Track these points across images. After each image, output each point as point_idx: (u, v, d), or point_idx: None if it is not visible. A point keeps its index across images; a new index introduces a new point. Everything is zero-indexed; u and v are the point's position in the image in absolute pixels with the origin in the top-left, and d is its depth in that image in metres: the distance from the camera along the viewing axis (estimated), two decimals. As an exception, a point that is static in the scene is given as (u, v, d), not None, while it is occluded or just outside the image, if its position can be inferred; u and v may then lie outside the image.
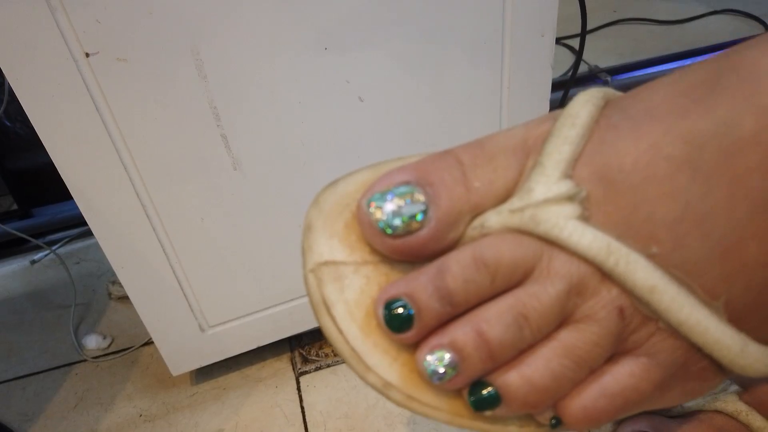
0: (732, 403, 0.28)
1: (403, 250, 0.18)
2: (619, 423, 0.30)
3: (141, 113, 0.36)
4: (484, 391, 0.17)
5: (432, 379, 0.17)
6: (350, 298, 0.18)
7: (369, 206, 0.17)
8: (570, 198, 0.17)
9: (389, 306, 0.17)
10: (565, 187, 0.17)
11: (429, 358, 0.17)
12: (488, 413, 0.18)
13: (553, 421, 0.18)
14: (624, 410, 0.18)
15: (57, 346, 0.61)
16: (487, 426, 0.18)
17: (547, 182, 0.17)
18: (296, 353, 0.56)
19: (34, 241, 0.63)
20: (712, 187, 0.16)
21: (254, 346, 0.52)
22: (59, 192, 0.64)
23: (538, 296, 0.17)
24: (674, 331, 0.17)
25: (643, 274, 0.16)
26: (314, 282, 0.18)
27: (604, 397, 0.17)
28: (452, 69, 0.42)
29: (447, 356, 0.17)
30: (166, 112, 0.37)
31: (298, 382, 0.54)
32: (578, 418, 0.18)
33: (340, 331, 0.18)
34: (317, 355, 0.56)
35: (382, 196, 0.17)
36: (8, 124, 0.69)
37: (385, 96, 0.41)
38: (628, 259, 0.16)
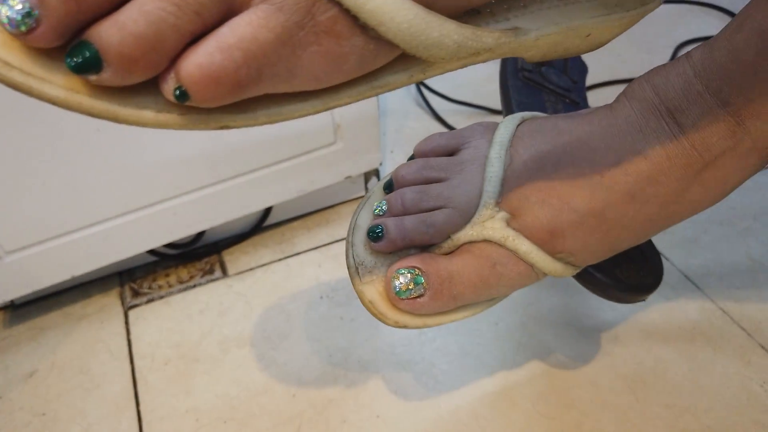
0: (500, 230, 0.28)
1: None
2: (392, 264, 0.29)
3: None
4: (78, 49, 0.16)
5: (7, 27, 0.15)
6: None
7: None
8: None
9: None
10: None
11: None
12: (93, 78, 0.16)
13: (177, 92, 0.17)
14: (250, 69, 0.17)
15: None
16: (114, 108, 0.17)
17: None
18: (126, 287, 0.52)
19: None
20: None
21: (68, 276, 0.47)
22: None
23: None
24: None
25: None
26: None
27: (220, 51, 0.16)
28: None
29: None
30: None
31: (126, 316, 0.50)
32: (195, 77, 0.16)
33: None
34: (150, 287, 0.52)
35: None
36: None
37: None
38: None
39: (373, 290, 0.29)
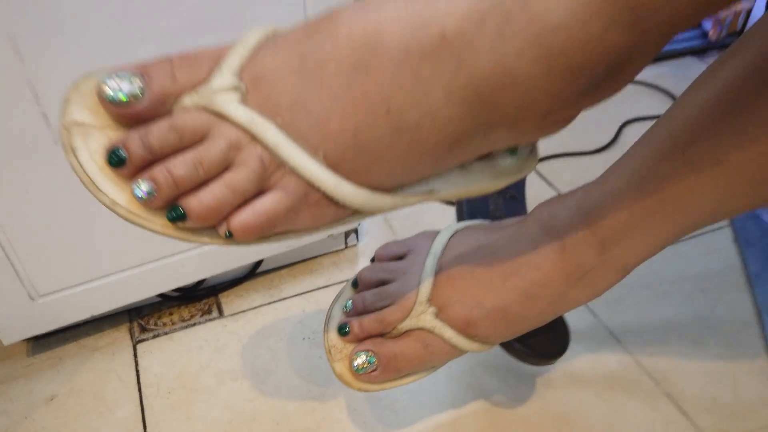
0: (430, 322, 0.38)
1: (127, 115, 0.26)
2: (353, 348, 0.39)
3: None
4: (174, 209, 0.26)
5: (139, 199, 0.26)
6: (92, 147, 0.26)
7: (105, 85, 0.26)
8: (234, 89, 0.26)
9: (112, 151, 0.26)
10: (230, 81, 0.26)
11: (135, 186, 0.26)
12: (181, 225, 0.27)
13: (227, 233, 0.27)
14: (270, 224, 0.27)
15: None
16: (188, 236, 0.27)
17: (221, 78, 0.26)
18: (135, 323, 0.60)
19: None
20: (312, 85, 0.25)
21: (88, 316, 0.55)
22: None
23: (209, 149, 0.26)
24: (295, 173, 0.27)
25: (272, 136, 0.26)
26: (66, 134, 0.26)
27: (254, 215, 0.27)
28: None
29: (146, 184, 0.26)
30: (-16, 88, 0.40)
31: (135, 349, 0.58)
32: (238, 228, 0.27)
33: (81, 166, 0.26)
34: (156, 324, 0.60)
35: (112, 78, 0.25)
36: None
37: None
38: (264, 127, 0.26)
39: (342, 366, 0.39)
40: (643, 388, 0.54)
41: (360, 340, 0.39)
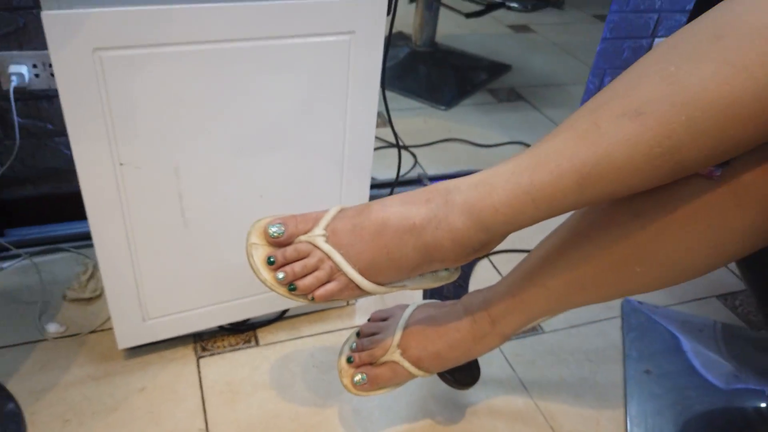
0: (397, 357, 0.65)
1: (275, 243, 0.55)
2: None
3: (145, 205, 0.68)
4: (291, 285, 0.54)
5: (278, 279, 0.54)
6: (260, 254, 0.54)
7: (268, 227, 0.54)
8: (323, 235, 0.54)
9: (267, 258, 0.54)
10: (321, 231, 0.54)
11: (276, 273, 0.54)
12: (293, 293, 0.54)
13: (312, 298, 0.55)
14: (331, 296, 0.55)
15: (25, 329, 0.87)
16: (295, 298, 0.55)
17: (317, 229, 0.54)
18: (198, 344, 0.87)
19: (14, 250, 0.89)
20: (356, 238, 0.54)
21: (172, 335, 0.82)
22: (26, 219, 0.94)
23: (310, 260, 0.54)
24: (344, 275, 0.54)
25: (337, 258, 0.54)
26: (248, 248, 0.54)
27: (325, 291, 0.54)
28: (318, 173, 0.77)
29: (281, 273, 0.54)
30: (151, 200, 0.69)
31: (198, 362, 0.84)
32: (317, 296, 0.54)
33: (254, 262, 0.53)
34: (212, 346, 0.87)
35: (272, 225, 0.55)
36: (-4, 166, 0.95)
37: (278, 190, 0.75)
38: (333, 253, 0.54)
39: (347, 381, 0.66)
40: (536, 421, 0.81)
41: (358, 366, 0.66)
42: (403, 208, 0.52)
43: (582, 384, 0.87)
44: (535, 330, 0.95)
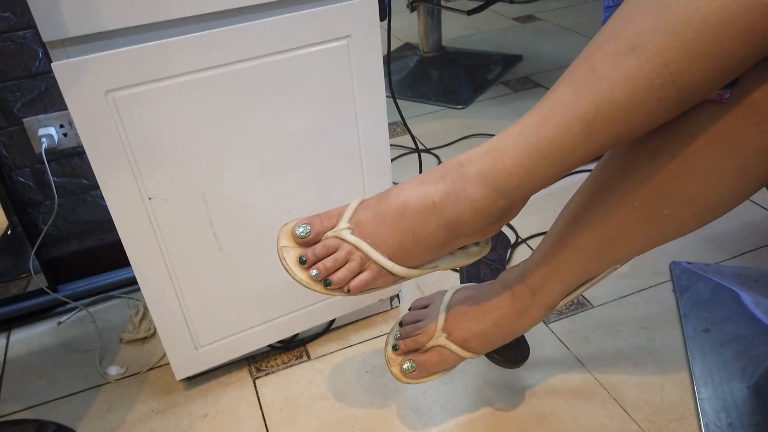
0: (443, 341, 0.65)
1: (304, 242, 0.57)
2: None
3: (178, 236, 0.70)
4: (326, 281, 0.55)
5: (312, 277, 0.55)
6: (291, 256, 0.56)
7: (296, 229, 0.56)
8: (348, 228, 0.55)
9: (299, 258, 0.56)
10: (345, 224, 0.55)
11: (310, 271, 0.55)
12: (329, 287, 0.55)
13: (347, 290, 0.56)
14: (366, 286, 0.56)
15: (88, 375, 0.90)
16: (331, 293, 0.56)
17: (342, 223, 0.56)
18: (252, 366, 0.89)
19: (71, 303, 0.93)
20: (380, 225, 0.55)
21: (228, 360, 0.84)
22: (75, 273, 0.97)
23: (339, 254, 0.55)
24: (375, 263, 0.55)
25: (365, 247, 0.55)
26: (280, 251, 0.56)
27: (359, 281, 0.55)
28: (339, 180, 0.79)
29: (314, 271, 0.55)
30: (188, 234, 0.71)
31: (255, 383, 0.86)
32: (352, 287, 0.55)
33: (287, 264, 0.55)
34: (266, 366, 0.88)
35: (298, 226, 0.56)
36: (42, 226, 1.00)
37: (304, 202, 0.77)
38: (360, 243, 0.55)
39: (396, 369, 0.66)
40: (598, 395, 0.79)
41: (404, 353, 0.66)
42: (421, 189, 0.53)
43: (640, 352, 0.84)
44: (583, 305, 0.93)
